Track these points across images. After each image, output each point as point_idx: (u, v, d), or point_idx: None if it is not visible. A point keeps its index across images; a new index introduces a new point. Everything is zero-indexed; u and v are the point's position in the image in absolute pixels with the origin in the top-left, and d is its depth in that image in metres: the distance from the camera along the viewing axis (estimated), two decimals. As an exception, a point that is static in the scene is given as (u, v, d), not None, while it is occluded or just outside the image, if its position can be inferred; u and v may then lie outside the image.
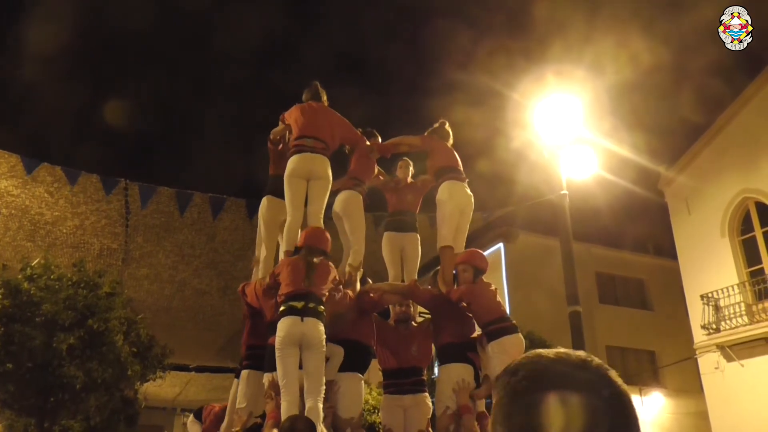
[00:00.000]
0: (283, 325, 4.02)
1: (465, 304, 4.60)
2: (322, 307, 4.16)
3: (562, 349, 0.87)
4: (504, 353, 4.21)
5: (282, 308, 4.10)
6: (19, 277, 9.55)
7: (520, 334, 4.45)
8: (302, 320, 4.02)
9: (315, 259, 4.25)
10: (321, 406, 3.99)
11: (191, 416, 6.98)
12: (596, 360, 0.86)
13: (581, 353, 0.87)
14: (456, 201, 5.08)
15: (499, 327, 4.42)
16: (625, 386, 0.84)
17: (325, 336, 4.12)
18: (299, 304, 4.05)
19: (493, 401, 0.88)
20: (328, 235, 4.55)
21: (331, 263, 4.42)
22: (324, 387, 4.08)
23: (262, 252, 4.96)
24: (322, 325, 4.11)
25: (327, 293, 4.24)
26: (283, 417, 3.66)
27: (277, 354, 3.99)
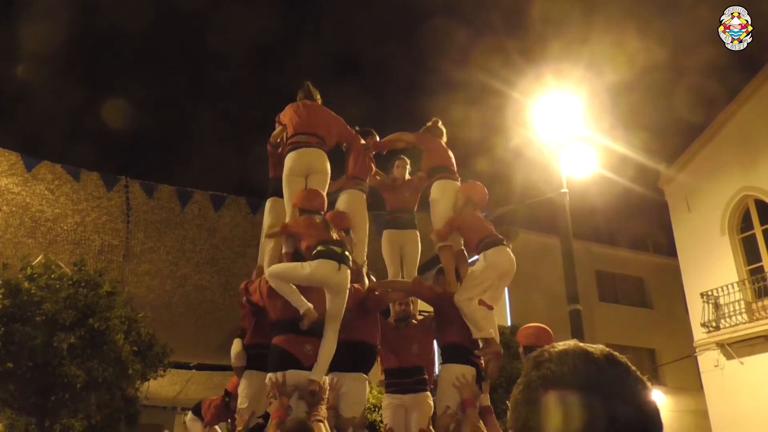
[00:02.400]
0: (323, 269, 4.03)
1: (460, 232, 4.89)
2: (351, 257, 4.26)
3: (595, 348, 0.85)
4: (494, 262, 4.62)
5: (320, 248, 4.09)
6: (20, 276, 9.55)
7: (507, 248, 4.73)
8: (339, 268, 4.08)
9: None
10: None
11: (189, 414, 6.89)
12: (623, 366, 0.84)
13: (613, 357, 0.85)
14: (448, 200, 5.09)
15: (488, 241, 4.73)
16: (649, 396, 0.82)
17: None
18: (339, 249, 4.10)
19: (518, 383, 0.88)
20: (323, 194, 4.67)
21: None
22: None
23: (266, 253, 4.96)
24: (349, 272, 4.21)
25: None
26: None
27: (298, 271, 4.09)
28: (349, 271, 4.19)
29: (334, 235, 4.30)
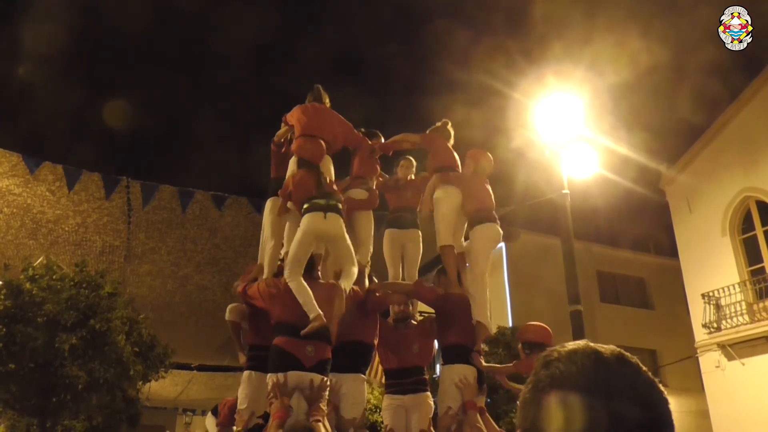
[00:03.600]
0: (307, 220, 4.29)
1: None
2: (341, 204, 4.47)
3: (606, 348, 0.85)
4: (482, 237, 4.88)
5: (305, 206, 4.36)
6: (21, 277, 9.56)
7: (497, 226, 4.98)
8: (325, 216, 4.29)
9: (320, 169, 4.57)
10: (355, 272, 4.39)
11: (209, 414, 7.20)
12: (633, 366, 0.83)
13: (624, 357, 0.84)
14: (453, 200, 5.09)
15: (481, 215, 4.95)
16: (660, 396, 0.82)
17: (345, 229, 4.42)
18: (321, 201, 4.35)
19: (527, 382, 0.89)
20: (322, 143, 4.76)
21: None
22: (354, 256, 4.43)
23: (267, 252, 4.97)
24: (342, 219, 4.40)
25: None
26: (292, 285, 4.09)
27: (297, 243, 4.25)
28: (338, 216, 4.37)
29: (326, 187, 4.48)
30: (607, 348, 0.85)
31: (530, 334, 4.61)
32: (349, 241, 4.50)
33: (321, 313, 4.08)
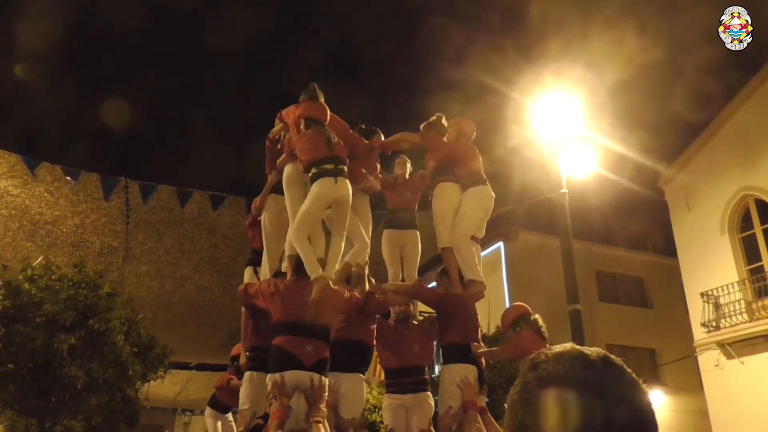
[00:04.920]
0: (318, 186, 4.34)
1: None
2: (347, 168, 4.53)
3: (591, 351, 0.86)
4: (474, 199, 4.97)
5: (314, 171, 4.38)
6: (20, 277, 9.55)
7: (489, 187, 5.10)
8: (336, 181, 4.35)
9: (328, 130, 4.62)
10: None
11: (207, 408, 7.21)
12: (618, 367, 0.85)
13: (609, 359, 0.86)
14: (451, 201, 5.08)
15: (473, 178, 5.08)
16: (644, 398, 0.83)
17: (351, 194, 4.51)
18: (331, 166, 4.39)
19: (514, 384, 0.90)
20: (326, 106, 4.82)
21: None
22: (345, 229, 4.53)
23: (265, 250, 4.95)
24: (350, 184, 4.49)
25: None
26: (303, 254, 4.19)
27: (307, 208, 4.34)
28: (347, 181, 4.46)
29: (334, 149, 4.50)
30: (592, 350, 0.87)
31: (509, 315, 4.65)
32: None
33: (323, 273, 4.19)
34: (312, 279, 4.16)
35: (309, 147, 4.48)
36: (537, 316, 4.42)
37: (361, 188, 5.11)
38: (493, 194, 5.13)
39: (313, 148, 4.47)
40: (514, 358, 4.96)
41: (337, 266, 4.52)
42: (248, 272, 5.23)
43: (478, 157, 5.27)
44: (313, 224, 4.47)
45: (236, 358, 6.21)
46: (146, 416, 15.83)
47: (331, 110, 5.14)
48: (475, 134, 5.48)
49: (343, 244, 4.53)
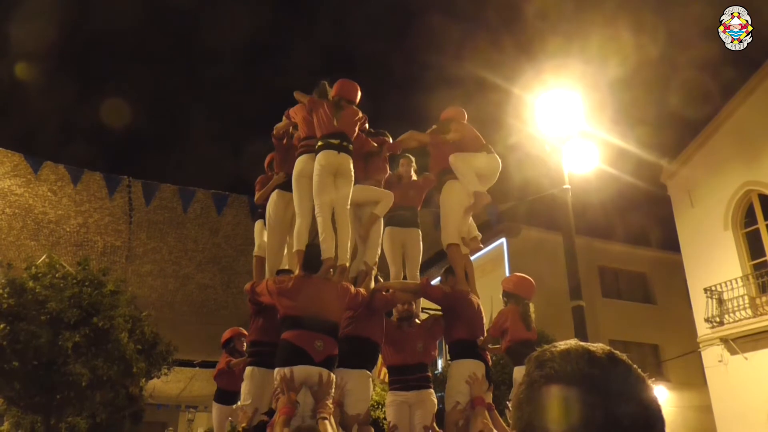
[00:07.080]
0: (323, 156, 4.68)
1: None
2: (352, 146, 4.85)
3: (597, 347, 0.86)
4: (463, 163, 5.05)
5: (320, 143, 4.75)
6: (24, 275, 9.58)
7: (495, 155, 5.21)
8: (338, 153, 4.70)
9: (343, 103, 4.95)
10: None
11: (214, 403, 7.19)
12: (624, 364, 0.85)
13: (614, 355, 0.86)
14: (459, 198, 5.08)
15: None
16: (651, 393, 0.83)
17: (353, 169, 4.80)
18: (336, 141, 4.76)
19: (519, 383, 0.89)
20: (357, 86, 5.10)
21: (356, 107, 5.04)
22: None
23: (269, 246, 4.98)
24: (352, 161, 4.79)
25: (356, 132, 5.00)
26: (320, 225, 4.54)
27: (315, 180, 4.64)
28: (349, 157, 4.76)
29: (339, 122, 4.81)
30: (597, 347, 0.86)
31: (508, 284, 5.01)
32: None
33: (334, 255, 4.43)
34: (323, 258, 4.38)
35: (317, 122, 4.85)
36: (530, 304, 4.78)
37: (372, 183, 5.17)
38: (499, 161, 5.23)
39: (322, 123, 4.82)
40: (496, 338, 4.99)
41: (349, 248, 4.70)
42: (258, 225, 5.65)
43: (478, 135, 5.32)
44: (325, 192, 4.63)
45: (228, 341, 6.74)
46: (150, 413, 15.88)
47: None
48: (462, 117, 5.57)
49: (348, 223, 4.72)
